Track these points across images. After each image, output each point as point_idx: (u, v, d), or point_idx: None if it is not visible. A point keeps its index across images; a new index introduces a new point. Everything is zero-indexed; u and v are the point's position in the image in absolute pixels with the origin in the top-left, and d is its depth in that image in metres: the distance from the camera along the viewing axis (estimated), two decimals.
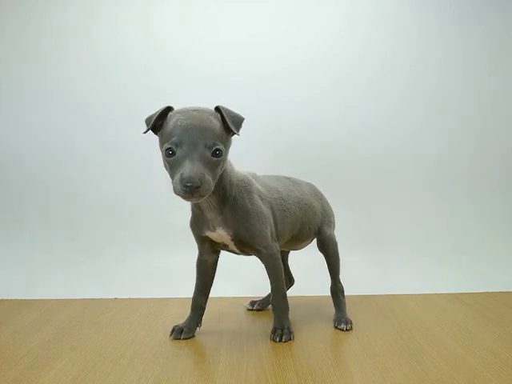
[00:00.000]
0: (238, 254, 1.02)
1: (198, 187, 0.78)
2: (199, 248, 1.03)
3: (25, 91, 1.54)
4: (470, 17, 1.57)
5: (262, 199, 0.98)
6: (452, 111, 1.58)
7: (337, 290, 1.12)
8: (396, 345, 0.95)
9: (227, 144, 0.88)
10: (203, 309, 1.03)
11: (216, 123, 0.85)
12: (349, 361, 0.87)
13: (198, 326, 1.02)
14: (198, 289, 1.03)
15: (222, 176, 0.90)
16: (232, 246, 0.98)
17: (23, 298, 1.27)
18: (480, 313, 1.14)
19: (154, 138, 1.53)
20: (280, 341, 0.96)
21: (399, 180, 1.58)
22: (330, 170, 1.54)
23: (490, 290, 1.31)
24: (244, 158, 1.55)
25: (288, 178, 1.12)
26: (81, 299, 1.27)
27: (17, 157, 1.56)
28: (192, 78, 1.53)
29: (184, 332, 0.99)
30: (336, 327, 1.05)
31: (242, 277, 1.37)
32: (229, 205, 0.93)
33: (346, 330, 1.03)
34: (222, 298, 1.26)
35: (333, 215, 1.18)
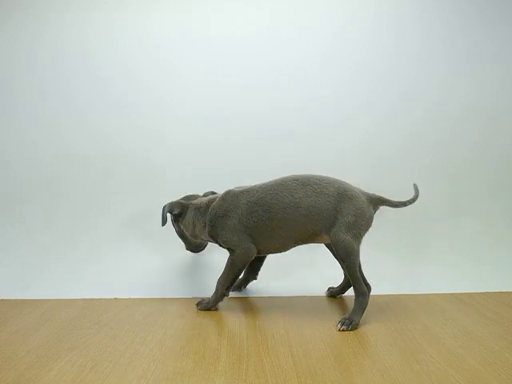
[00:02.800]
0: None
1: None
2: None
3: (21, 94, 1.55)
4: (471, 17, 1.57)
5: (228, 215, 1.14)
6: (453, 112, 1.58)
7: (356, 293, 1.09)
8: (396, 345, 0.95)
9: None
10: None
11: None
12: (349, 361, 0.88)
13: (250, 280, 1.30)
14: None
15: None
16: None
17: (23, 298, 1.27)
18: (480, 313, 1.14)
19: (151, 138, 1.54)
20: (200, 308, 1.16)
21: (398, 180, 1.58)
22: (329, 169, 1.54)
23: (490, 290, 1.31)
24: (249, 158, 1.57)
25: (296, 180, 1.12)
26: (81, 299, 1.27)
27: (17, 157, 1.56)
28: (191, 81, 1.54)
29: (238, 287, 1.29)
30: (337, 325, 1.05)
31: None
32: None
33: (341, 330, 1.02)
34: None
35: (357, 217, 1.09)
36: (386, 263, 1.48)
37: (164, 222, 1.21)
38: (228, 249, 1.16)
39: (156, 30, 1.55)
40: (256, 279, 1.30)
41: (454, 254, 1.50)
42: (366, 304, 1.08)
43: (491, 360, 0.87)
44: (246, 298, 1.25)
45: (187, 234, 1.25)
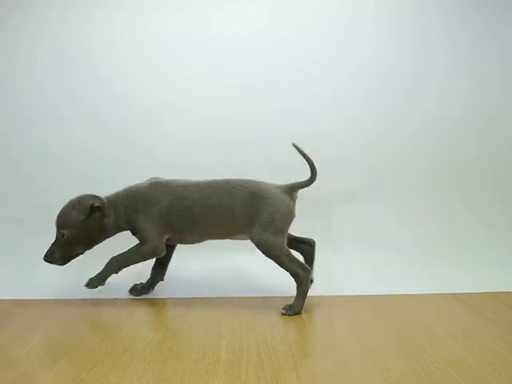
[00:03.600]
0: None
1: None
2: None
3: (21, 94, 1.55)
4: (471, 16, 1.57)
5: (153, 201, 1.18)
6: (453, 113, 1.58)
7: (295, 281, 1.15)
8: (396, 345, 0.95)
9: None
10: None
11: None
12: (349, 361, 0.87)
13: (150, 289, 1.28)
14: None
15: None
16: None
17: (23, 298, 1.27)
18: (480, 313, 1.14)
19: (151, 138, 1.54)
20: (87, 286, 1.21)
21: (399, 180, 1.58)
22: (329, 169, 1.54)
23: (490, 290, 1.31)
24: (249, 158, 1.56)
25: (217, 183, 1.19)
26: (81, 299, 1.27)
27: (17, 157, 1.56)
28: (191, 81, 1.54)
29: (136, 290, 1.27)
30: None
31: (242, 276, 1.37)
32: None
33: (284, 314, 1.11)
34: (221, 297, 1.26)
35: (272, 213, 1.13)
36: (385, 263, 1.48)
37: (85, 213, 1.18)
38: (139, 237, 1.19)
39: (156, 30, 1.55)
40: (163, 280, 1.31)
41: (454, 253, 1.50)
42: (307, 289, 1.13)
43: (491, 360, 0.87)
44: (245, 298, 1.25)
45: (85, 238, 1.22)
